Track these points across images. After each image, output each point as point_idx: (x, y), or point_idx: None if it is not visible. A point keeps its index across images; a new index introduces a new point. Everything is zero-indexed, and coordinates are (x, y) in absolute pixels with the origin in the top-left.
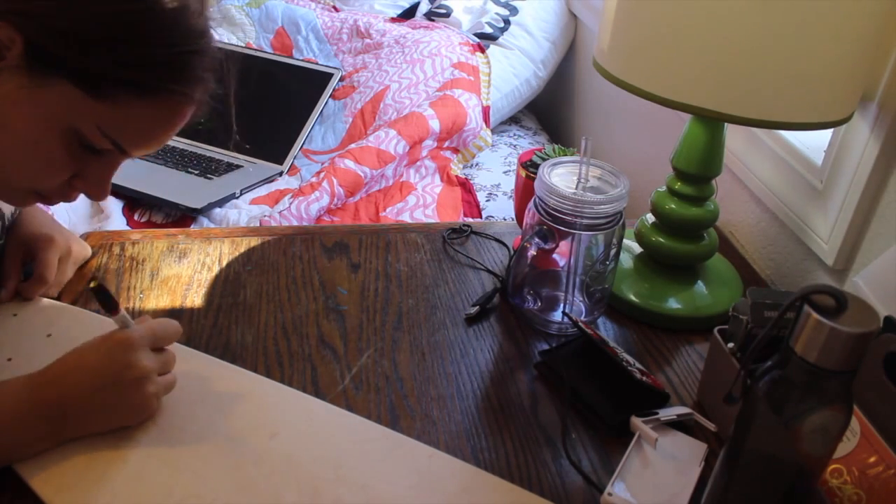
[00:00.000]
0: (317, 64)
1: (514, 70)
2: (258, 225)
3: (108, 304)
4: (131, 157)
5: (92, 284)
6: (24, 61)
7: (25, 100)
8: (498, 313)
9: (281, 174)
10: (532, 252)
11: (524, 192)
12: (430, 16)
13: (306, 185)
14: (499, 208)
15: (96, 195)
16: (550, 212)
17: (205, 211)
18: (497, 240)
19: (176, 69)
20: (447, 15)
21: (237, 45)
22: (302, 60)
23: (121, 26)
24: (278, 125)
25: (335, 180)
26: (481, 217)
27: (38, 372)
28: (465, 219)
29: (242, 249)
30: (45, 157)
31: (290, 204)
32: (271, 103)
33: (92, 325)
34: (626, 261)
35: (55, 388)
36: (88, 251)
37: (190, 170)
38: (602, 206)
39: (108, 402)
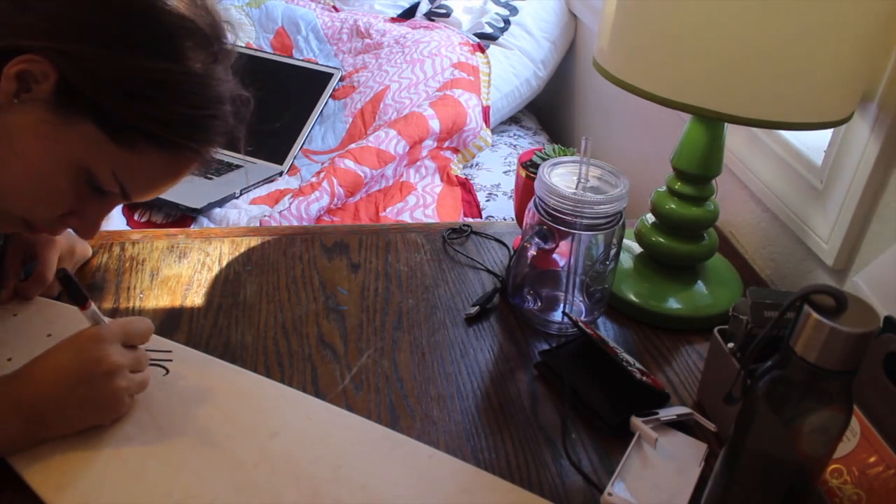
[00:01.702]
0: (317, 64)
1: (514, 70)
2: (258, 225)
3: (76, 296)
4: (130, 202)
5: (59, 274)
6: (52, 97)
7: (46, 134)
8: (498, 313)
9: (281, 174)
10: (532, 252)
11: (524, 192)
12: (430, 16)
13: (306, 185)
14: (499, 208)
15: (87, 234)
16: (550, 212)
17: (205, 211)
18: (497, 240)
19: (196, 129)
20: (447, 15)
21: (237, 45)
22: (302, 60)
23: (156, 82)
24: (278, 125)
25: (335, 180)
26: (481, 217)
27: (14, 372)
28: (465, 219)
29: (242, 249)
30: (50, 191)
31: (290, 204)
32: (271, 103)
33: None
34: (626, 261)
35: (29, 387)
36: (89, 251)
37: None
38: (602, 206)
39: (80, 397)
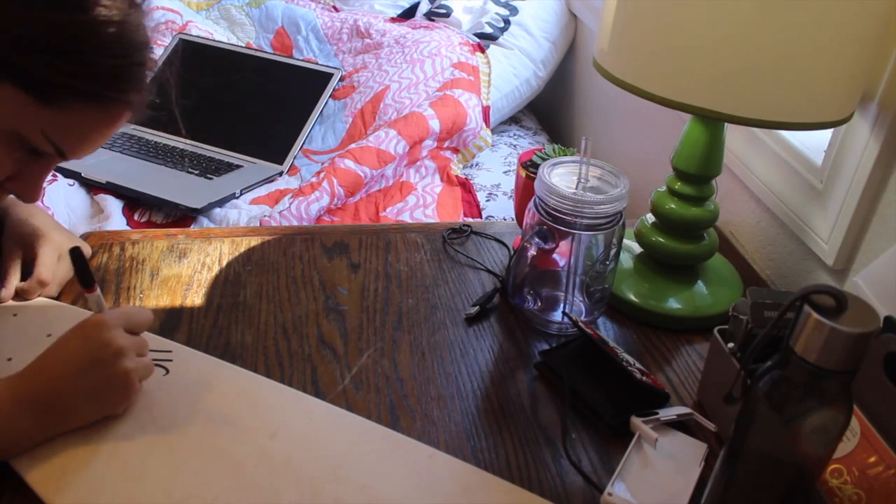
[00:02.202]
0: (317, 64)
1: (514, 70)
2: (258, 225)
3: (84, 277)
4: (67, 160)
5: (72, 252)
6: None
7: None
8: (498, 313)
9: (281, 174)
10: (532, 252)
11: (524, 192)
12: (430, 16)
13: (306, 185)
14: (499, 208)
15: (29, 197)
16: (550, 212)
17: (205, 211)
18: (497, 240)
19: (121, 79)
20: (447, 15)
21: (237, 45)
22: (302, 60)
23: (70, 35)
24: (278, 125)
25: (335, 180)
26: (481, 217)
27: (22, 370)
28: (465, 219)
29: (242, 249)
30: None
31: (291, 204)
32: (271, 103)
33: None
34: (626, 261)
35: (37, 380)
36: (88, 250)
37: (190, 170)
38: (602, 206)
39: (91, 383)
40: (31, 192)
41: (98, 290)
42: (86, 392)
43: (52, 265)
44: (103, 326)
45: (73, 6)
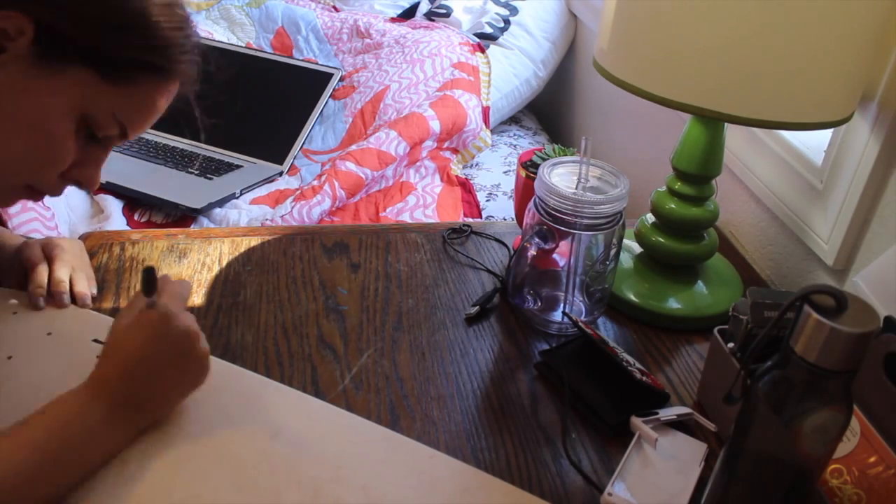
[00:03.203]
0: (317, 64)
1: (514, 70)
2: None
3: (149, 288)
4: (127, 140)
5: (145, 271)
6: (32, 50)
7: (37, 89)
8: (498, 313)
9: (281, 174)
10: (532, 252)
11: (524, 192)
12: (430, 16)
13: (308, 188)
14: (499, 208)
15: (91, 184)
16: (550, 212)
17: (205, 211)
18: (497, 240)
19: (178, 49)
20: (447, 15)
21: (237, 45)
22: (302, 60)
23: (134, 11)
24: (278, 125)
25: (336, 183)
26: (481, 217)
27: (95, 375)
28: (465, 219)
29: (242, 249)
30: (54, 147)
31: (293, 208)
32: (271, 103)
33: (92, 323)
34: (626, 261)
35: (124, 384)
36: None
37: (190, 170)
38: (602, 206)
39: (175, 375)
40: (93, 179)
41: (155, 297)
42: (171, 383)
43: (66, 277)
44: (173, 318)
45: None
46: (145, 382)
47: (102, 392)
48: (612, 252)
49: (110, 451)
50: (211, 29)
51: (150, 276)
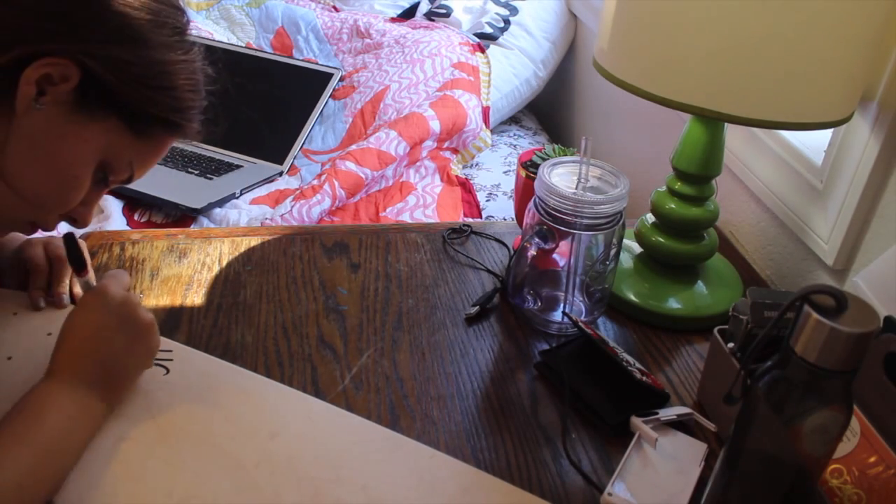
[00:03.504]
0: (317, 64)
1: (514, 70)
2: (259, 226)
3: (77, 261)
4: (126, 184)
5: (66, 237)
6: (73, 96)
7: (72, 133)
8: (498, 313)
9: (281, 174)
10: (532, 252)
11: (524, 192)
12: (430, 16)
13: (308, 187)
14: (499, 208)
15: (84, 222)
16: (550, 212)
17: (205, 211)
18: (497, 240)
19: (196, 110)
20: (447, 15)
21: (237, 45)
22: (302, 60)
23: (169, 73)
24: (278, 125)
25: (336, 183)
26: (481, 217)
27: (54, 364)
28: (465, 219)
29: (242, 249)
30: (74, 187)
31: (292, 207)
32: (271, 103)
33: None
34: (626, 261)
35: (82, 363)
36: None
37: (190, 170)
38: (602, 206)
39: (125, 343)
40: (89, 217)
41: (91, 273)
42: (124, 351)
43: (66, 280)
44: (108, 292)
45: (176, 46)
46: (99, 356)
47: (65, 377)
48: (612, 252)
49: (93, 428)
50: (211, 29)
51: (70, 243)
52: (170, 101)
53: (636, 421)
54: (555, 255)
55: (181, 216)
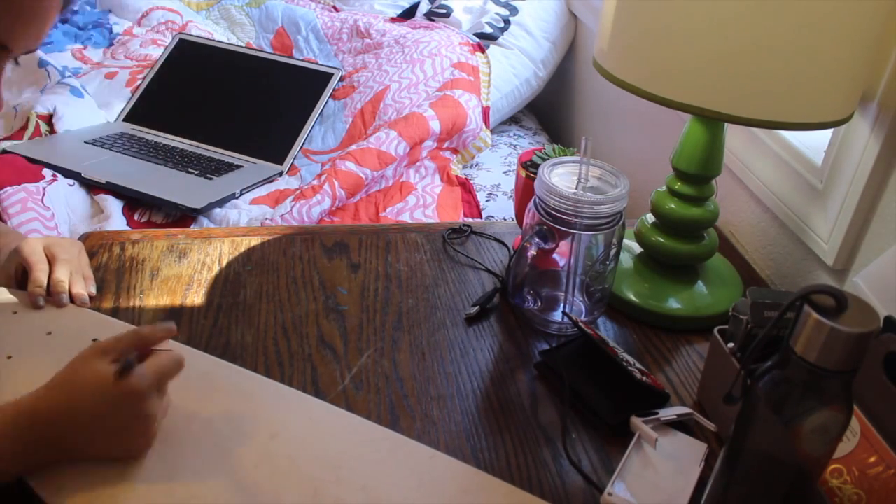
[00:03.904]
0: (317, 64)
1: (514, 70)
2: (259, 226)
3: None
4: (13, 55)
5: (126, 364)
6: None
7: None
8: (498, 313)
9: (281, 174)
10: (532, 252)
11: (524, 192)
12: (430, 16)
13: (308, 187)
14: (499, 208)
15: None
16: (550, 212)
17: (205, 211)
18: (497, 240)
19: None
20: (447, 15)
21: (237, 45)
22: (302, 60)
23: None
24: (278, 125)
25: (336, 182)
26: (481, 217)
27: (29, 403)
28: (465, 219)
29: (242, 249)
30: None
31: (293, 207)
32: (271, 103)
33: (92, 323)
34: (626, 261)
35: (51, 426)
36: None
37: (190, 170)
38: (602, 206)
39: (109, 442)
40: None
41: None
42: (100, 446)
43: (66, 280)
44: (139, 398)
45: None
46: (74, 434)
47: (25, 418)
48: (612, 252)
49: (7, 472)
50: (211, 29)
51: (127, 368)
52: None
53: (636, 421)
54: (555, 255)
55: (181, 216)
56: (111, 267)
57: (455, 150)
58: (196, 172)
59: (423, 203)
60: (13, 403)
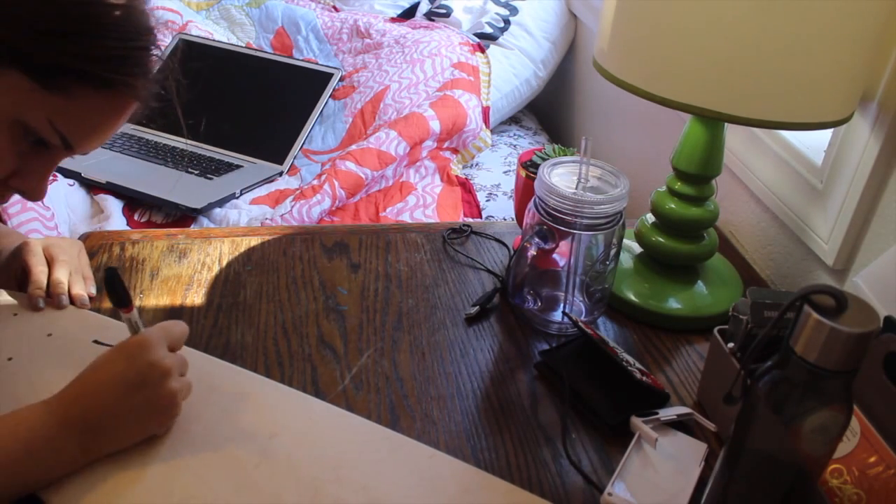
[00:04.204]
0: (317, 64)
1: (514, 70)
2: (259, 226)
3: (120, 297)
4: (73, 154)
5: (106, 273)
6: None
7: None
8: (498, 313)
9: (281, 174)
10: (532, 252)
11: (524, 192)
12: (430, 16)
13: (308, 187)
14: (499, 208)
15: (34, 195)
16: (550, 212)
17: (205, 211)
18: (497, 240)
19: (126, 63)
20: (447, 15)
21: (237, 45)
22: (302, 60)
23: (76, 17)
24: (278, 125)
25: (336, 182)
26: (481, 217)
27: (58, 393)
28: (465, 219)
29: (242, 249)
30: None
31: (293, 207)
32: (271, 103)
33: (92, 325)
34: (626, 261)
35: (80, 404)
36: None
37: (190, 170)
38: (602, 206)
39: (135, 405)
40: (37, 189)
41: (135, 310)
42: (131, 414)
43: (65, 280)
44: (148, 346)
45: None
46: (101, 408)
47: (58, 410)
48: (612, 252)
49: (54, 470)
50: (211, 29)
51: (111, 277)
52: (78, 49)
53: (636, 421)
54: (555, 255)
55: (181, 216)
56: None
57: (455, 150)
58: (196, 172)
59: (423, 203)
60: (42, 402)
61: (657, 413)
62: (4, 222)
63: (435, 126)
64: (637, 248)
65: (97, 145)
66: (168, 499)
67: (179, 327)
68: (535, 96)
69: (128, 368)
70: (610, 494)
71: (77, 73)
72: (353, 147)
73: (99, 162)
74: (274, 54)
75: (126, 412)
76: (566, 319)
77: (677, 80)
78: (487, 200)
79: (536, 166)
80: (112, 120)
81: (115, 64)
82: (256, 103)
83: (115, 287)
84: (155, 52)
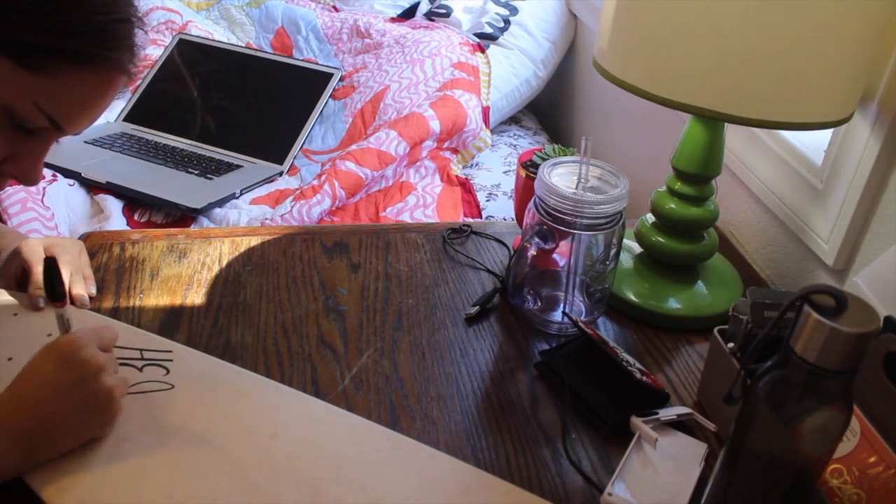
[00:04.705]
0: (317, 64)
1: (514, 70)
2: (259, 226)
3: (55, 290)
4: (65, 135)
5: (46, 262)
6: None
7: None
8: (498, 313)
9: (281, 174)
10: (532, 252)
11: (524, 192)
12: (430, 16)
13: (308, 187)
14: (499, 208)
15: (30, 179)
16: (550, 212)
17: (205, 211)
18: (497, 240)
19: (108, 37)
20: (447, 15)
21: (237, 45)
22: (302, 60)
23: None
24: (278, 125)
25: (336, 183)
26: (481, 217)
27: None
28: (465, 219)
29: (242, 249)
30: None
31: (293, 207)
32: (271, 103)
33: (92, 324)
34: (626, 261)
35: (15, 409)
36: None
37: (190, 170)
38: (602, 206)
39: (73, 406)
40: (32, 174)
41: (68, 305)
42: (69, 416)
43: (66, 282)
44: (78, 345)
45: None
46: (39, 413)
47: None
48: (612, 252)
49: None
50: (211, 29)
51: (49, 268)
52: (56, 26)
53: (636, 421)
54: (555, 255)
55: (181, 216)
56: (111, 267)
57: (455, 150)
58: (196, 172)
59: (423, 203)
60: None
61: (657, 413)
62: (4, 222)
63: (435, 126)
64: (637, 248)
65: (89, 123)
66: (168, 499)
67: (109, 331)
68: (535, 96)
69: (60, 369)
70: (610, 494)
71: (58, 50)
72: (353, 147)
73: (99, 162)
74: (274, 54)
75: (64, 415)
76: (566, 319)
77: (677, 80)
78: (487, 200)
79: (536, 166)
80: (99, 96)
81: (96, 38)
82: (256, 103)
83: (51, 279)
84: (137, 22)
